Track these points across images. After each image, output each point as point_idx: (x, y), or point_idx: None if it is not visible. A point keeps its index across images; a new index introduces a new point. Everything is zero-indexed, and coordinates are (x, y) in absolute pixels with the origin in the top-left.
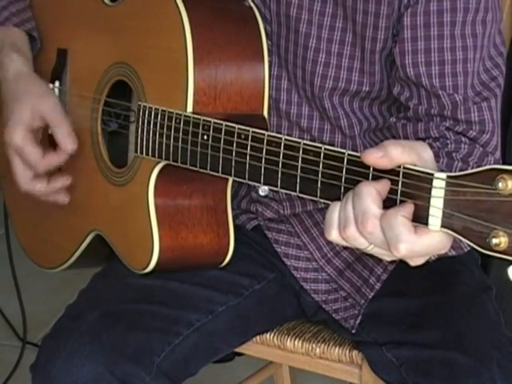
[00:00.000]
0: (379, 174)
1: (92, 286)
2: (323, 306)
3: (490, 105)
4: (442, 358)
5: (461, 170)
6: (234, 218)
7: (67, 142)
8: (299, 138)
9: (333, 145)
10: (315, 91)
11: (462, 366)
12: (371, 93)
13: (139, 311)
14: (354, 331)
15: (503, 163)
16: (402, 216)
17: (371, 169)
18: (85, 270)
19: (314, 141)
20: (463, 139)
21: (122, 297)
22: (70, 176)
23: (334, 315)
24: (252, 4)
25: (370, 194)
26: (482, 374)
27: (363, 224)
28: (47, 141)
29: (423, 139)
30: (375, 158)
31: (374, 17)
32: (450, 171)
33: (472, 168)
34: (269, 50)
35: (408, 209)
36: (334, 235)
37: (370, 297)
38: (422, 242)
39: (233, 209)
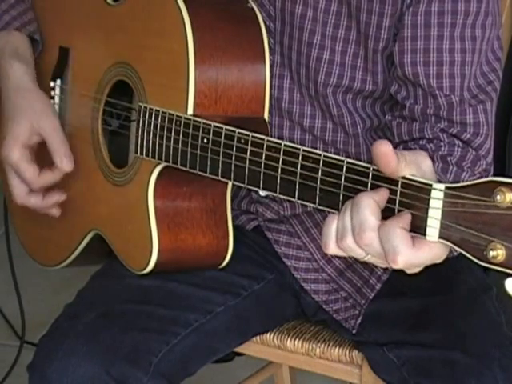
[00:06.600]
0: (378, 182)
1: (90, 287)
2: (323, 307)
3: (485, 108)
4: (443, 358)
5: (456, 175)
6: (234, 218)
7: (64, 163)
8: (301, 138)
9: (335, 144)
10: (319, 89)
11: (464, 365)
12: (374, 92)
13: (136, 312)
14: (354, 331)
15: (503, 167)
16: (400, 228)
17: (370, 177)
18: (85, 270)
19: (315, 141)
20: (457, 142)
21: (120, 297)
22: (64, 193)
23: (334, 315)
24: (254, 6)
25: (369, 205)
26: (484, 373)
27: (359, 235)
28: (43, 153)
29: (417, 139)
30: (387, 149)
31: (377, 16)
32: (446, 176)
33: (466, 172)
34: (271, 49)
35: (406, 219)
36: (331, 247)
37: (371, 297)
38: (419, 255)
39: (233, 209)
